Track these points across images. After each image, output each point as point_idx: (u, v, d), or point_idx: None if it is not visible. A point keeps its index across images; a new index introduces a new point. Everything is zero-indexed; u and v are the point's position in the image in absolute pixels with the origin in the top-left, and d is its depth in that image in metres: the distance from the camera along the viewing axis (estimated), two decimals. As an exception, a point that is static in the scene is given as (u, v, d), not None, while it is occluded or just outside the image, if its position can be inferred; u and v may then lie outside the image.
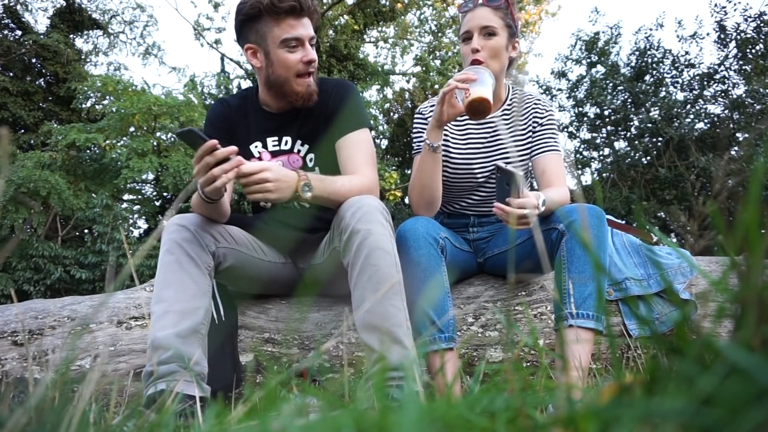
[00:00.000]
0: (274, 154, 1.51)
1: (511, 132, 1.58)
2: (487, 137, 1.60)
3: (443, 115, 1.38)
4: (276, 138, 1.52)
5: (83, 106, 9.80)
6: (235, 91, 10.59)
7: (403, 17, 11.95)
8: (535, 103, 1.60)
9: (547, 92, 9.46)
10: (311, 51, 1.42)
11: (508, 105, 1.61)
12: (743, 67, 7.57)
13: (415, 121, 1.66)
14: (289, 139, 1.52)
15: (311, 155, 1.51)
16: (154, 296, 1.23)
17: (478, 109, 1.31)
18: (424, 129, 1.56)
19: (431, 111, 1.60)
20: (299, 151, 1.51)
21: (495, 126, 1.60)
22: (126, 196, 10.08)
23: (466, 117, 1.56)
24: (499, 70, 1.49)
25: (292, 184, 1.24)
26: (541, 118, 1.58)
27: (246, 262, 1.42)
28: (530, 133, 1.58)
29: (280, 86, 1.44)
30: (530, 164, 1.58)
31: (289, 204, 1.53)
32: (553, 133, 1.57)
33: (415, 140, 1.61)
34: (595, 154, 9.26)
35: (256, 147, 1.51)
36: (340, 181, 1.34)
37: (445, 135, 1.61)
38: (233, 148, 1.18)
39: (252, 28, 1.41)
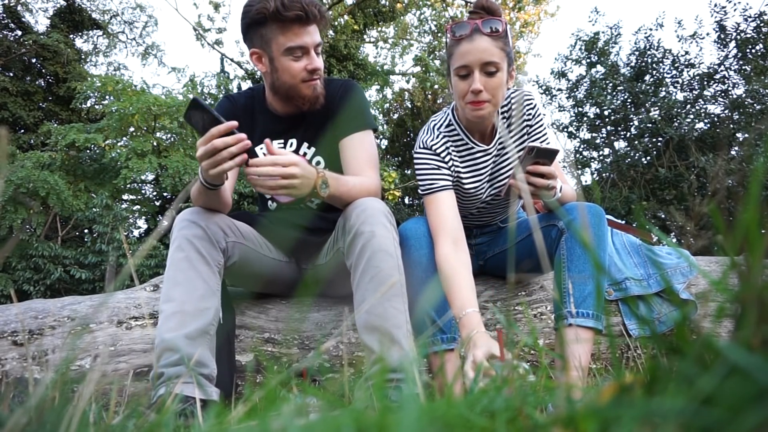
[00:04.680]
0: None
1: (512, 141, 1.55)
2: (490, 162, 1.54)
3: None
4: (282, 140, 1.52)
5: (83, 106, 9.81)
6: (234, 91, 10.59)
7: (402, 17, 11.95)
8: (524, 104, 1.54)
9: (547, 92, 9.46)
10: (316, 59, 1.40)
11: (503, 116, 1.58)
12: (743, 67, 7.57)
13: (422, 156, 1.45)
14: (294, 141, 1.52)
15: (318, 158, 1.51)
16: (162, 294, 1.22)
17: None
18: (436, 166, 1.43)
19: (443, 145, 1.46)
20: (305, 153, 1.51)
21: (497, 151, 1.53)
22: (126, 196, 10.07)
23: (467, 151, 1.50)
24: (499, 104, 1.39)
25: (312, 182, 1.23)
26: (531, 117, 1.56)
27: (252, 258, 1.41)
28: (525, 135, 1.57)
29: (285, 91, 1.43)
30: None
31: (296, 205, 1.53)
32: (544, 132, 1.55)
33: (424, 178, 1.42)
34: (594, 154, 9.25)
35: (261, 149, 1.51)
36: (352, 181, 1.34)
37: (456, 168, 1.51)
38: (243, 135, 1.17)
39: (257, 33, 1.39)
